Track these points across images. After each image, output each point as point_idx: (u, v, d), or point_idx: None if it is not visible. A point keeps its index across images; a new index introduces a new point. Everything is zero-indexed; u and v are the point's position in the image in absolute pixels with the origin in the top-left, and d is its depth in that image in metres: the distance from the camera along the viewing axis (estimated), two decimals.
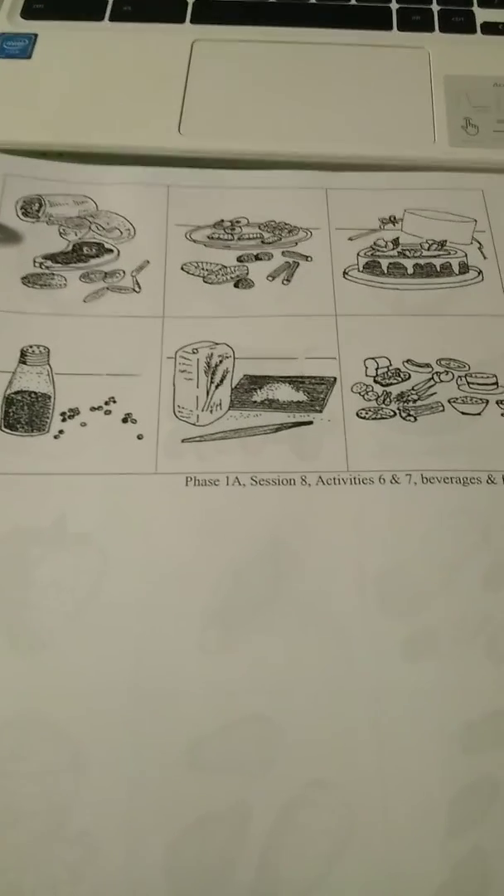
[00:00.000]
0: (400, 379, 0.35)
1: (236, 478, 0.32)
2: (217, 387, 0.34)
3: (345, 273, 0.38)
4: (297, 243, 0.38)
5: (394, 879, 0.26)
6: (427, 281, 0.37)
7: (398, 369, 0.35)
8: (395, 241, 0.39)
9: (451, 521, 0.31)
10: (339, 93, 0.43)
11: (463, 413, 0.34)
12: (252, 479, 0.32)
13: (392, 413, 0.34)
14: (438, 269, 0.38)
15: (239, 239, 0.39)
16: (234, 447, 0.33)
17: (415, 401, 0.34)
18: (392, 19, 0.46)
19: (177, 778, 0.27)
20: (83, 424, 0.33)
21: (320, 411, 0.34)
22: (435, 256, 0.38)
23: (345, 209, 0.39)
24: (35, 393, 0.34)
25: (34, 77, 0.44)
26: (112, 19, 0.46)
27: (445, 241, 0.39)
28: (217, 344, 0.35)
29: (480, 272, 0.38)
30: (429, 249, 0.38)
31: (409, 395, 0.34)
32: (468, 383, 0.34)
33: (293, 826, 0.26)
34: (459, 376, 0.35)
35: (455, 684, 0.28)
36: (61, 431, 0.33)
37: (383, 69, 0.44)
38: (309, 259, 0.38)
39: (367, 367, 0.35)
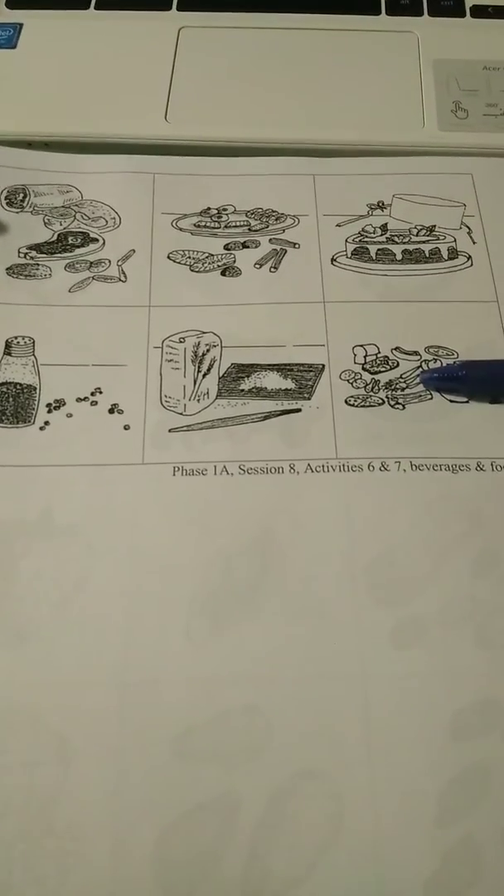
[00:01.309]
0: (388, 367, 0.34)
1: (224, 467, 0.32)
2: (204, 376, 0.34)
3: (333, 260, 0.37)
4: (284, 230, 0.38)
5: (384, 869, 0.25)
6: (416, 267, 0.37)
7: (387, 357, 0.34)
8: (384, 227, 0.38)
9: (440, 509, 0.31)
10: (326, 78, 0.43)
11: (451, 401, 0.33)
12: (240, 468, 0.32)
13: (380, 401, 0.33)
14: (427, 254, 0.37)
15: (226, 227, 0.38)
16: (222, 436, 0.32)
17: (403, 388, 0.34)
18: (381, 4, 0.46)
19: (164, 769, 0.26)
20: (69, 415, 0.33)
21: (308, 399, 0.33)
22: (424, 242, 0.38)
23: (332, 195, 0.39)
24: (20, 384, 0.33)
25: (19, 66, 0.43)
26: (98, 7, 0.46)
27: (434, 226, 0.38)
28: (204, 332, 0.35)
29: (470, 257, 0.37)
30: (417, 235, 0.38)
31: (397, 383, 0.34)
32: None
33: (282, 816, 0.26)
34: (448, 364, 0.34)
35: (444, 672, 0.28)
36: (47, 423, 0.33)
37: (372, 54, 0.44)
38: (296, 246, 0.38)
39: (355, 355, 0.35)
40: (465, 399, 0.33)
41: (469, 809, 0.26)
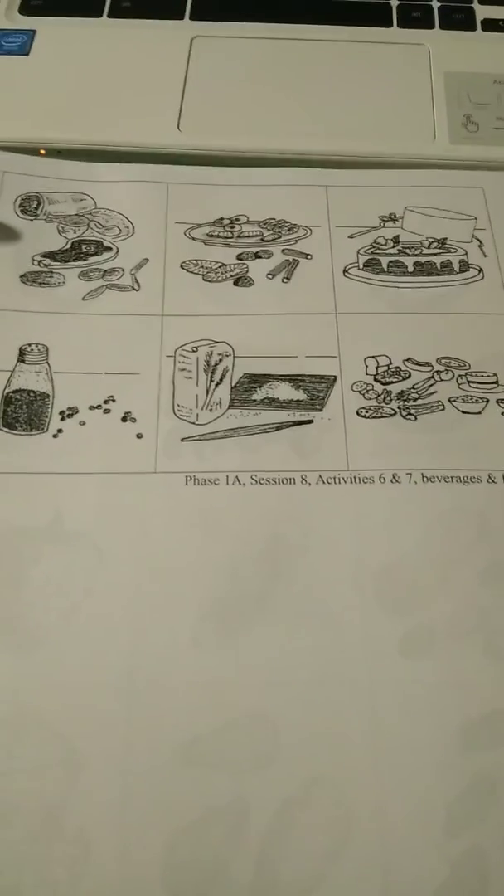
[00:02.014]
0: (400, 377, 0.34)
1: (236, 477, 0.32)
2: (217, 385, 0.34)
3: (345, 271, 0.37)
4: (296, 241, 0.38)
5: (392, 879, 0.25)
6: (427, 279, 0.37)
7: (398, 368, 0.35)
8: (396, 239, 0.38)
9: (451, 520, 0.31)
10: (339, 90, 0.43)
11: (463, 412, 0.34)
12: (252, 478, 0.32)
13: (392, 412, 0.34)
14: (439, 267, 0.38)
15: (238, 237, 0.38)
16: (234, 446, 0.33)
17: (415, 399, 0.34)
18: (392, 16, 0.46)
19: (173, 775, 0.27)
20: (82, 423, 0.33)
21: (320, 410, 0.34)
22: (435, 254, 0.38)
23: (345, 207, 0.39)
24: (34, 392, 0.34)
25: (32, 74, 0.43)
26: (111, 15, 0.46)
27: (446, 238, 0.39)
28: (217, 342, 0.35)
29: (481, 270, 0.38)
30: (429, 247, 0.38)
31: (409, 394, 0.34)
32: (468, 382, 0.34)
33: (291, 824, 0.26)
34: (460, 375, 0.35)
35: (453, 682, 0.28)
36: (60, 430, 0.33)
37: (383, 66, 0.44)
38: (309, 257, 0.38)
39: (367, 366, 0.35)
40: (478, 411, 0.34)
41: (478, 819, 0.26)
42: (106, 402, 0.33)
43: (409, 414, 0.34)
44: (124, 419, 0.33)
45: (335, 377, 0.34)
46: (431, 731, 0.27)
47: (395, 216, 0.39)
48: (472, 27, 0.46)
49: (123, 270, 0.37)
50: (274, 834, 0.26)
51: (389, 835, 0.26)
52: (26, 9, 0.46)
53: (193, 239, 0.38)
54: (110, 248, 0.38)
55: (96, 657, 0.28)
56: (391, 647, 0.29)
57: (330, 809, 0.26)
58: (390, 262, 0.38)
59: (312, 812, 0.26)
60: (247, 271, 0.37)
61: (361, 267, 0.38)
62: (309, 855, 0.26)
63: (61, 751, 0.27)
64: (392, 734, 0.27)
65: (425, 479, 0.32)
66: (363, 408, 0.34)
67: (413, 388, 0.34)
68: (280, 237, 0.38)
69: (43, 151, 0.41)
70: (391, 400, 0.34)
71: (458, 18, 0.46)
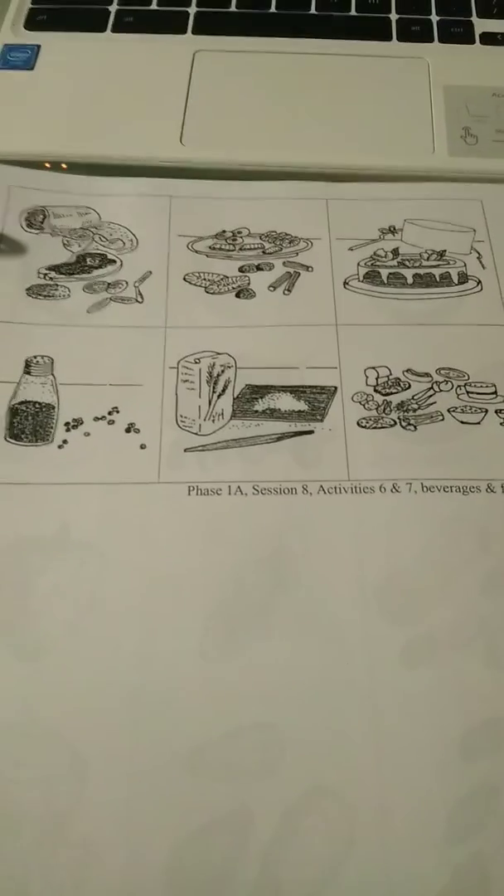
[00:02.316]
0: (400, 388, 0.35)
1: (238, 487, 0.32)
2: (219, 396, 0.35)
3: (345, 283, 0.38)
4: (297, 253, 0.39)
5: (394, 886, 0.26)
6: (426, 291, 0.38)
7: (398, 379, 0.35)
8: (395, 252, 0.39)
9: (451, 530, 0.31)
10: (339, 103, 0.44)
11: (462, 422, 0.34)
12: (254, 488, 0.32)
13: (392, 422, 0.34)
14: (438, 278, 0.38)
15: (240, 249, 0.39)
16: (236, 456, 0.33)
17: (415, 410, 0.34)
18: (391, 30, 0.46)
19: (177, 784, 0.27)
20: (87, 434, 0.33)
21: (321, 420, 0.34)
22: (434, 266, 0.38)
23: (345, 219, 0.40)
24: (39, 403, 0.34)
25: (37, 88, 0.44)
26: (114, 30, 0.46)
27: (444, 251, 0.39)
28: (219, 354, 0.36)
29: (479, 282, 0.38)
30: (428, 259, 0.39)
31: (409, 405, 0.34)
32: (467, 392, 0.35)
33: (294, 832, 0.26)
34: (459, 385, 0.35)
35: (454, 691, 0.28)
36: (65, 441, 0.33)
37: (383, 79, 0.45)
38: (310, 269, 0.38)
39: (367, 377, 0.35)
40: (477, 421, 0.34)
41: (479, 827, 0.27)
42: (110, 413, 0.34)
43: (409, 424, 0.34)
44: (128, 430, 0.33)
45: (336, 388, 0.35)
46: (433, 738, 0.28)
47: (394, 228, 0.40)
48: (471, 41, 0.46)
49: (127, 283, 0.38)
50: (278, 841, 0.26)
51: (392, 842, 0.26)
52: (31, 24, 0.47)
53: (196, 252, 0.39)
54: (114, 261, 0.38)
55: (102, 666, 0.29)
56: (393, 655, 0.29)
57: (333, 817, 0.27)
58: (390, 274, 0.38)
59: (316, 819, 0.27)
60: (248, 283, 0.38)
61: (361, 279, 0.38)
62: (312, 862, 0.26)
63: (67, 758, 0.27)
64: (394, 741, 0.28)
65: (425, 488, 0.32)
66: (363, 418, 0.34)
67: (413, 398, 0.35)
68: (281, 250, 0.39)
69: (48, 165, 0.41)
70: (391, 410, 0.34)
71: (457, 32, 0.46)
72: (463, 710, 0.28)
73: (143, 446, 0.33)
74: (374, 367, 0.35)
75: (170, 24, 0.46)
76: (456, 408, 0.34)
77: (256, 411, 0.34)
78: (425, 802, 0.27)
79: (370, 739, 0.28)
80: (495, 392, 0.35)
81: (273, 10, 0.47)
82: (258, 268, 0.38)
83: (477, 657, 0.29)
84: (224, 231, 0.39)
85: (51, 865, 0.26)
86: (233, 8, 0.47)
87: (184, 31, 0.46)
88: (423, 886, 0.26)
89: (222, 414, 0.34)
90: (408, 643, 0.29)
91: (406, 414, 0.34)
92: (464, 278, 0.38)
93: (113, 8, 0.47)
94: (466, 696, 0.28)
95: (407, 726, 0.28)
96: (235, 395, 0.35)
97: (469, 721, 0.28)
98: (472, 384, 0.35)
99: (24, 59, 0.45)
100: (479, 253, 0.39)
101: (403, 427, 0.34)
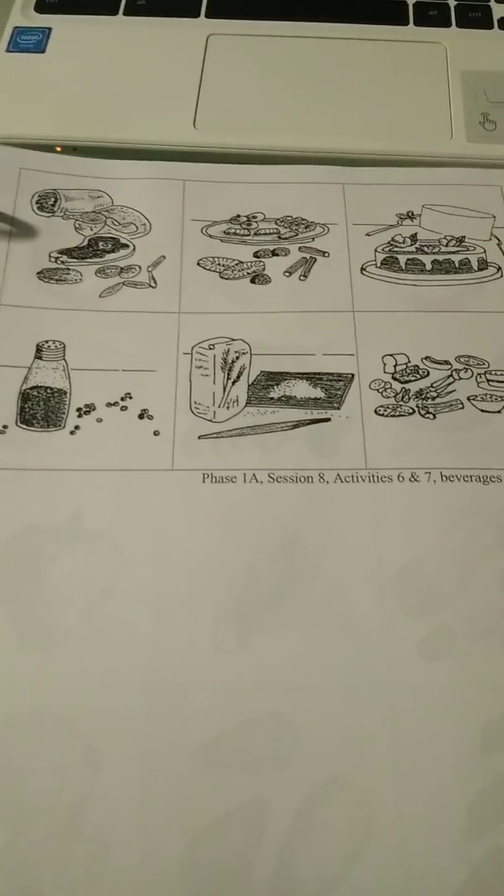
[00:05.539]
0: (419, 376, 0.34)
1: (253, 475, 0.32)
2: (234, 383, 0.34)
3: (362, 269, 0.37)
4: (313, 239, 0.38)
5: (412, 880, 0.25)
6: (445, 277, 0.37)
7: (417, 366, 0.35)
8: (413, 237, 0.38)
9: (470, 520, 0.31)
10: (354, 88, 0.43)
11: (482, 410, 0.33)
12: (269, 476, 0.32)
13: (411, 410, 0.33)
14: (457, 265, 0.37)
15: (255, 234, 0.38)
16: (251, 444, 0.32)
17: (434, 398, 0.34)
18: (409, 14, 0.46)
19: (192, 776, 0.26)
20: (99, 420, 0.33)
21: (338, 408, 0.33)
22: (453, 252, 0.38)
23: (362, 204, 0.39)
24: (51, 388, 0.33)
25: (48, 71, 0.43)
26: (126, 13, 0.46)
27: (464, 237, 0.38)
28: (233, 340, 0.35)
29: (499, 268, 0.37)
30: (447, 245, 0.38)
31: (427, 393, 0.34)
32: (487, 380, 0.34)
33: (310, 825, 0.26)
34: (479, 373, 0.34)
35: (473, 683, 0.28)
36: (77, 427, 0.33)
37: (400, 64, 0.44)
38: (326, 255, 0.38)
39: (385, 364, 0.35)
40: (497, 409, 0.33)
41: (498, 821, 0.26)
42: (123, 399, 0.33)
43: (428, 412, 0.33)
44: (141, 416, 0.33)
45: (353, 375, 0.34)
46: (451, 731, 0.27)
47: (412, 214, 0.39)
48: (489, 25, 0.46)
49: (140, 268, 0.37)
50: (293, 834, 0.26)
51: (409, 836, 0.26)
52: (42, 7, 0.46)
53: (210, 236, 0.38)
54: (127, 246, 0.38)
55: (115, 655, 0.28)
56: (410, 647, 0.29)
57: (349, 810, 0.26)
58: (408, 260, 0.37)
59: (332, 813, 0.26)
60: (263, 269, 0.37)
61: (379, 265, 0.37)
62: (328, 856, 0.26)
63: (80, 749, 0.27)
64: (411, 734, 0.27)
65: (444, 478, 0.32)
66: (381, 406, 0.33)
67: (432, 386, 0.34)
68: (297, 235, 0.38)
69: (59, 149, 0.41)
70: (409, 398, 0.34)
71: (475, 17, 0.46)
72: (481, 703, 0.28)
73: (156, 433, 0.33)
74: (392, 355, 0.35)
75: (183, 7, 0.46)
76: (476, 396, 0.34)
77: (272, 398, 0.34)
78: (443, 795, 0.26)
79: (387, 731, 0.27)
80: None
81: None
82: (273, 253, 0.38)
83: (496, 649, 0.29)
84: (239, 216, 0.39)
85: (64, 857, 0.25)
86: None
87: (197, 15, 0.46)
88: (441, 881, 0.25)
89: (237, 401, 0.34)
90: (426, 635, 0.29)
91: (425, 402, 0.34)
92: (484, 265, 0.37)
93: None
94: (485, 688, 0.28)
95: (424, 718, 0.27)
96: (250, 382, 0.34)
97: (488, 713, 0.28)
98: (493, 372, 0.34)
99: (35, 42, 0.45)
100: (499, 239, 0.38)
101: (422, 415, 0.33)
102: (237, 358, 0.35)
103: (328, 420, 0.33)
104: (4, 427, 0.32)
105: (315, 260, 0.38)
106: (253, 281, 0.37)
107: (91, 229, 0.38)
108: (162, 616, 0.29)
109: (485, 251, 0.38)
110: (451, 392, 0.34)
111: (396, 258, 0.37)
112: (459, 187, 0.40)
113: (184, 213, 0.39)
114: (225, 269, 0.37)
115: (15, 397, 0.33)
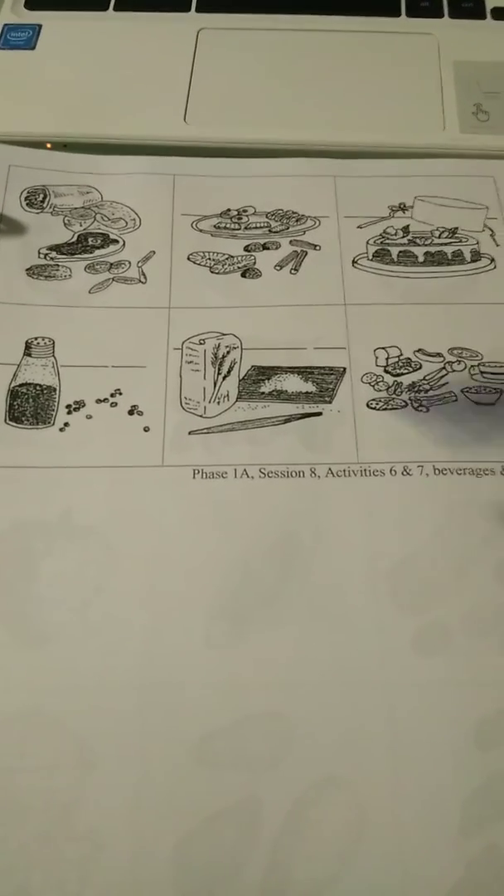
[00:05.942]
0: (411, 369, 0.34)
1: (244, 470, 0.31)
2: (224, 378, 0.34)
3: (354, 262, 0.37)
4: (304, 232, 0.38)
5: (407, 878, 0.25)
6: (438, 269, 0.37)
7: (409, 359, 0.34)
8: (405, 229, 0.38)
9: (463, 514, 0.31)
10: (347, 80, 0.43)
11: (476, 403, 0.33)
12: (260, 471, 0.31)
13: (403, 403, 0.33)
14: (450, 256, 0.37)
15: (246, 228, 0.38)
16: (242, 439, 0.32)
17: (426, 391, 0.33)
18: (400, 5, 0.45)
19: (185, 774, 0.26)
20: (89, 417, 0.33)
21: (330, 402, 0.33)
22: (446, 244, 0.37)
23: (353, 197, 0.39)
24: (40, 385, 0.33)
25: (38, 67, 0.43)
26: (116, 9, 0.46)
27: (457, 228, 0.38)
28: (224, 334, 0.35)
29: (493, 260, 0.37)
30: (440, 237, 0.38)
31: (420, 385, 0.33)
32: (481, 373, 0.34)
33: (304, 823, 0.26)
34: (472, 366, 0.34)
35: (468, 679, 0.28)
36: (67, 424, 0.32)
37: (392, 56, 0.44)
38: (317, 248, 0.37)
39: (377, 357, 0.34)
40: (491, 402, 0.33)
41: (494, 819, 0.26)
42: (113, 395, 0.33)
43: (421, 405, 0.33)
44: (131, 412, 0.33)
45: (344, 369, 0.34)
46: (446, 728, 0.27)
47: (404, 206, 0.39)
48: (482, 16, 0.45)
49: (130, 263, 0.37)
50: (287, 833, 0.25)
51: (404, 834, 0.25)
52: (32, 3, 0.46)
53: (200, 231, 0.38)
54: (117, 241, 0.38)
55: (108, 653, 0.28)
56: (405, 643, 0.28)
57: (343, 808, 0.26)
58: (400, 252, 0.37)
59: (326, 811, 0.26)
60: (254, 263, 0.37)
61: (371, 257, 0.37)
62: (322, 854, 0.25)
63: (73, 748, 0.26)
64: (406, 731, 0.27)
65: (437, 471, 0.31)
66: (373, 399, 0.33)
67: (424, 379, 0.34)
68: (288, 228, 0.38)
69: (49, 145, 0.41)
70: (402, 391, 0.33)
71: (467, 7, 0.45)
72: (477, 699, 0.27)
73: (146, 429, 0.32)
74: (384, 348, 0.34)
75: (173, 1, 0.46)
76: (469, 388, 0.33)
77: (263, 393, 0.33)
78: (439, 793, 0.26)
79: (382, 728, 0.27)
80: None
81: None
82: (264, 247, 0.37)
83: (491, 645, 0.28)
84: (229, 210, 0.39)
85: (55, 857, 0.25)
86: None
87: (187, 9, 0.46)
88: (437, 879, 0.25)
89: (228, 396, 0.33)
90: (420, 631, 0.28)
91: (417, 395, 0.33)
92: (477, 256, 0.37)
93: None
94: (481, 685, 0.28)
95: (420, 715, 0.27)
96: (241, 377, 0.34)
97: (484, 710, 0.27)
98: (486, 364, 0.34)
99: (25, 38, 0.44)
100: (492, 230, 0.38)
101: (415, 408, 0.33)
102: (228, 353, 0.34)
103: (320, 414, 0.33)
104: None
105: (306, 253, 0.37)
106: (244, 275, 0.37)
107: (80, 225, 0.38)
108: (154, 613, 0.29)
109: (478, 242, 0.38)
110: (444, 385, 0.34)
111: (388, 250, 0.37)
112: (452, 178, 0.39)
113: (174, 207, 0.38)
114: (215, 264, 0.37)
115: (4, 395, 0.33)
